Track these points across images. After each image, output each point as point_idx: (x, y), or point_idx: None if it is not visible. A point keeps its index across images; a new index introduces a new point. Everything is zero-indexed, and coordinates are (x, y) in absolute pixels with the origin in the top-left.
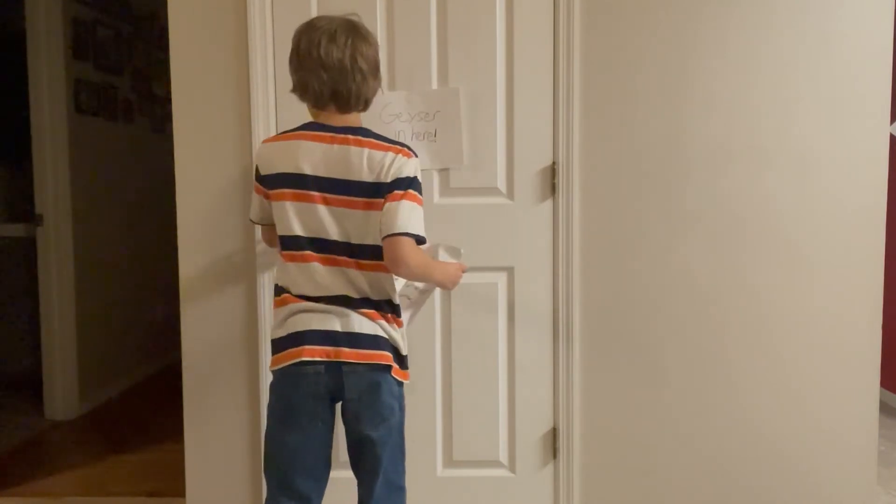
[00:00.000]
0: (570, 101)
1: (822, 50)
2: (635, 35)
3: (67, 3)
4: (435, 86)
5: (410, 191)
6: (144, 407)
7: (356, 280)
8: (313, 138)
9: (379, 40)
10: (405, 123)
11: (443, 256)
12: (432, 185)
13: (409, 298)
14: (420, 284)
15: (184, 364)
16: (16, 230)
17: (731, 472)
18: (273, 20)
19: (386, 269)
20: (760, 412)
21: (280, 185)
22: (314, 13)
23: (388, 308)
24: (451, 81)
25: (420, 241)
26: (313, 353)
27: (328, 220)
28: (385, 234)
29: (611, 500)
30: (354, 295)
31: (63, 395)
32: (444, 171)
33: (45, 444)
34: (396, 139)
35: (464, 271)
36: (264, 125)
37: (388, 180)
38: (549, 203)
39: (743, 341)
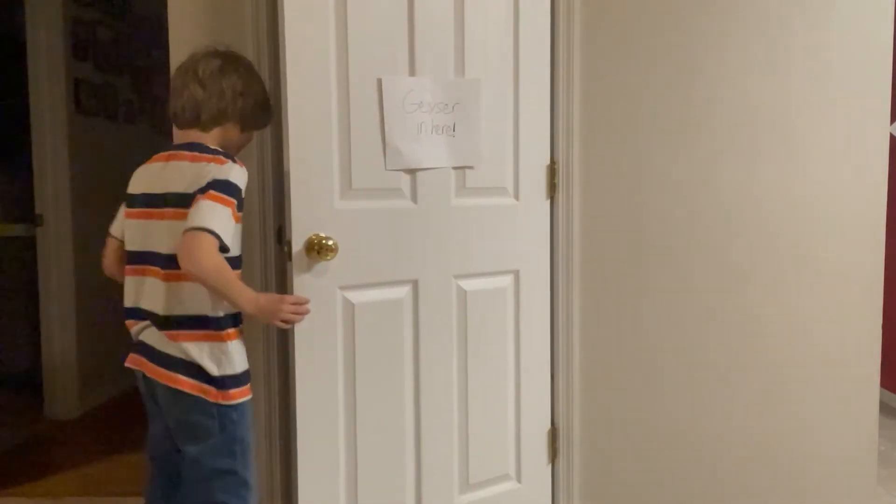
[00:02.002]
0: (570, 99)
1: (822, 50)
2: (636, 34)
3: (67, 3)
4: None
5: (212, 191)
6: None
7: (167, 293)
8: (155, 159)
9: (393, 28)
10: (426, 114)
11: None
12: (450, 185)
13: None
14: None
15: None
16: (16, 230)
17: (731, 472)
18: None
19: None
20: (760, 412)
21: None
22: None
23: (197, 324)
24: (466, 74)
25: (222, 248)
26: (130, 361)
27: (146, 234)
28: (183, 230)
29: (611, 500)
30: (160, 311)
31: (63, 395)
32: (459, 171)
33: (45, 444)
34: (419, 131)
35: (300, 316)
36: None
37: (200, 187)
38: (549, 203)
39: (743, 341)
